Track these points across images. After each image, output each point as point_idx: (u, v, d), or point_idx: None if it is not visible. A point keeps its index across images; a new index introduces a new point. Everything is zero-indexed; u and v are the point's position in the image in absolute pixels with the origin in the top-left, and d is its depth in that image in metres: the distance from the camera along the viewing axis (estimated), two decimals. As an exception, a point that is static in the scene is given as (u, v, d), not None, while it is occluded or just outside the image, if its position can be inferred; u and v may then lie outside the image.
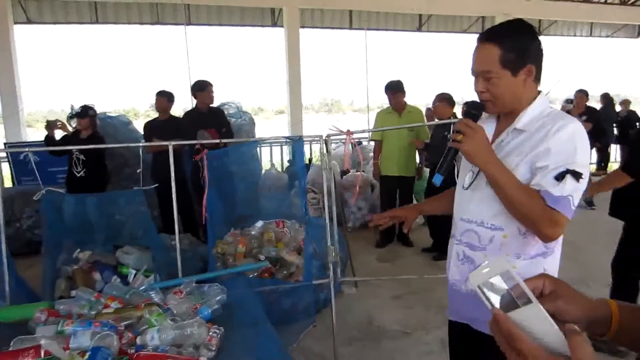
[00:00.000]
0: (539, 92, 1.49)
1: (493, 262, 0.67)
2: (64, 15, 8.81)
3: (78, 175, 4.61)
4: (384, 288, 4.13)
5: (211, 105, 5.26)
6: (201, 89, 5.13)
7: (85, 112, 4.74)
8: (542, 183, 1.34)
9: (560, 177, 1.32)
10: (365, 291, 4.11)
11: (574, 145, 1.34)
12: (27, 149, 3.70)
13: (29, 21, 8.60)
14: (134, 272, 3.29)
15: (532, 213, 1.34)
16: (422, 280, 4.02)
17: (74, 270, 3.30)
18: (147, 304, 2.39)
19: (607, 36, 14.23)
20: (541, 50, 1.45)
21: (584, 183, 1.34)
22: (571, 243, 4.94)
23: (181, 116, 5.48)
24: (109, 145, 4.72)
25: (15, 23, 8.06)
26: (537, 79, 1.47)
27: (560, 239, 1.49)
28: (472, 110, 1.51)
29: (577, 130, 1.36)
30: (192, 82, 5.37)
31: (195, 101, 5.32)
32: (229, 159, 3.94)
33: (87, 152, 4.59)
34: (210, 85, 5.19)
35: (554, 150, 1.34)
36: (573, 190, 1.32)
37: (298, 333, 3.36)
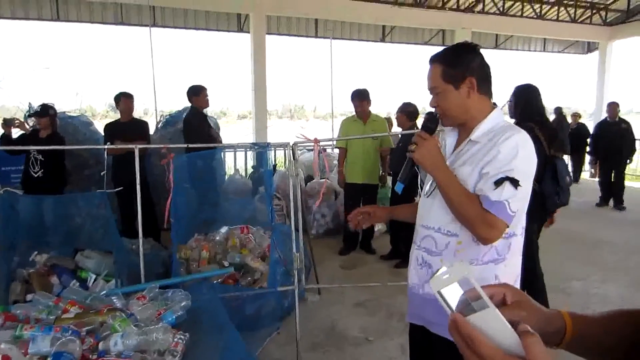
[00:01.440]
0: (494, 106, 1.61)
1: (453, 267, 0.70)
2: (23, 11, 8.52)
3: (36, 175, 4.46)
4: (347, 295, 4.18)
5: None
6: (196, 93, 5.23)
7: (46, 111, 4.59)
8: (483, 188, 1.46)
9: (498, 183, 1.43)
10: (329, 298, 4.15)
11: (516, 154, 1.45)
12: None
13: (-16, 15, 8.29)
14: (93, 276, 3.22)
15: (469, 214, 1.46)
16: (385, 288, 4.09)
17: (30, 273, 3.18)
18: (110, 309, 2.34)
19: (559, 51, 14.99)
20: (484, 65, 1.58)
21: (522, 190, 1.44)
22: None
23: (143, 118, 5.41)
24: (74, 147, 4.60)
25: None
26: (485, 92, 1.59)
27: (515, 248, 1.58)
28: (429, 123, 1.64)
29: (520, 140, 1.47)
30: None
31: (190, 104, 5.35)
32: (195, 163, 3.92)
33: (46, 152, 4.44)
34: (205, 89, 5.27)
35: (497, 158, 1.45)
36: (510, 196, 1.42)
37: (262, 339, 3.35)
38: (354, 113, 5.34)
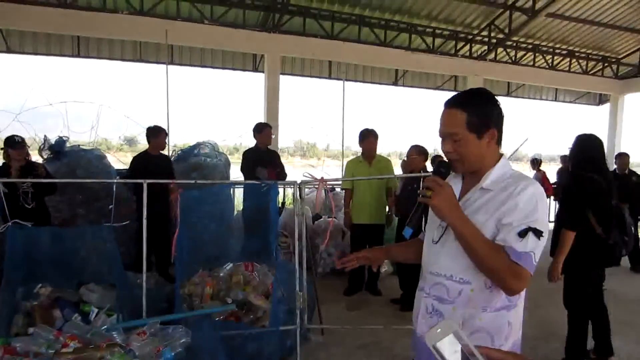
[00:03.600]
0: (501, 154, 1.61)
1: (444, 323, 0.73)
2: (45, 47, 8.86)
3: (29, 207, 4.33)
4: (350, 337, 4.11)
5: (268, 147, 5.53)
6: (259, 130, 5.44)
7: (20, 143, 4.46)
8: (507, 239, 1.43)
9: (523, 234, 1.41)
10: (332, 339, 4.08)
11: (535, 205, 1.44)
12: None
13: (9, 50, 8.61)
14: (96, 310, 3.21)
15: (497, 267, 1.42)
16: (388, 331, 4.02)
17: (33, 306, 3.19)
18: (109, 344, 2.34)
19: (571, 102, 15.09)
20: (502, 116, 1.58)
21: (543, 241, 1.44)
22: (531, 299, 5.07)
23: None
24: (80, 180, 4.65)
25: (-5, 51, 8.04)
26: (499, 142, 1.59)
27: (523, 294, 1.57)
28: (441, 169, 1.61)
29: (537, 192, 1.47)
30: (255, 124, 5.58)
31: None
32: (203, 199, 3.96)
33: (39, 184, 4.33)
34: (269, 127, 5.52)
35: (518, 208, 1.44)
36: (535, 247, 1.42)
37: (261, 380, 3.29)
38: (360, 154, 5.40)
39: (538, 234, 1.41)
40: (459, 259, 1.52)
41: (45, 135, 5.67)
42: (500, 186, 1.51)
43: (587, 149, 3.43)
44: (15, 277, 3.31)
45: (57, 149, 5.52)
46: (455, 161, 1.58)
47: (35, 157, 5.67)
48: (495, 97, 1.58)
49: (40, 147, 5.54)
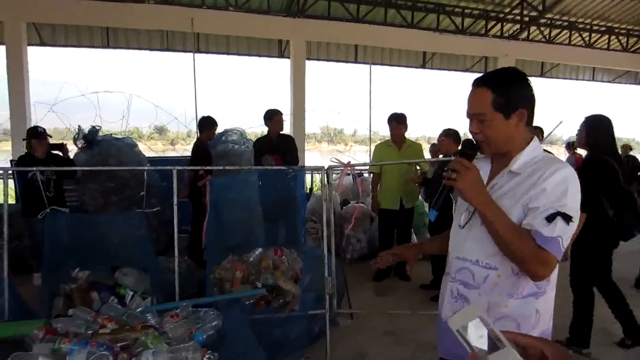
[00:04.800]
0: (532, 136, 1.55)
1: (467, 308, 0.72)
2: (76, 39, 9.05)
3: (50, 195, 4.50)
4: (378, 322, 4.12)
5: (281, 133, 5.50)
6: (270, 117, 5.39)
7: (43, 134, 4.75)
8: (533, 223, 1.39)
9: (550, 218, 1.36)
10: (360, 324, 4.10)
11: (566, 189, 1.39)
12: (34, 168, 3.75)
13: (42, 43, 8.83)
14: (131, 293, 3.31)
15: (522, 252, 1.39)
16: (416, 317, 4.01)
17: (72, 289, 3.31)
18: (144, 326, 2.41)
19: (609, 81, 14.46)
20: (533, 96, 1.51)
21: (573, 226, 1.39)
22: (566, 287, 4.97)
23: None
24: (112, 168, 4.77)
25: (29, 45, 8.26)
26: (530, 124, 1.53)
27: (553, 280, 1.53)
28: (468, 150, 1.56)
29: (569, 175, 1.41)
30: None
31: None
32: (231, 186, 4.01)
33: (58, 173, 4.61)
34: (279, 114, 5.45)
35: (546, 192, 1.39)
36: (563, 232, 1.37)
37: (290, 363, 3.34)
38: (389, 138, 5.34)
39: (567, 218, 1.36)
40: (486, 244, 1.49)
41: (79, 125, 5.83)
42: (529, 170, 1.46)
43: (600, 131, 3.36)
44: (54, 261, 3.45)
45: (90, 138, 5.67)
46: (482, 142, 1.53)
47: (71, 147, 5.87)
48: (527, 76, 1.51)
49: (74, 137, 5.71)
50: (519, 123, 1.48)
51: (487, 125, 1.49)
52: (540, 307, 1.50)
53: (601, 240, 3.41)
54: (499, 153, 1.56)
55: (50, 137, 4.90)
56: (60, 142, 5.16)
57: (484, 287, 1.52)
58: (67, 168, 4.48)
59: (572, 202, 1.39)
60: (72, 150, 5.82)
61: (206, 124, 5.53)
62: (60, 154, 4.98)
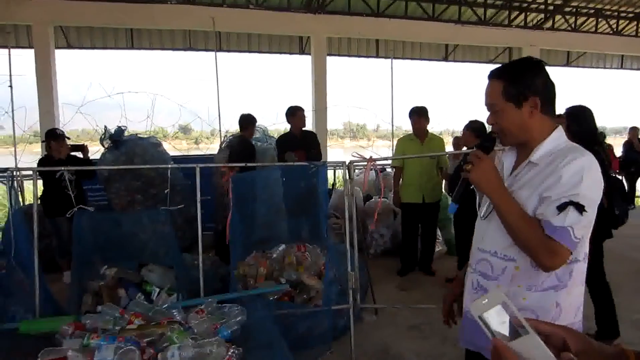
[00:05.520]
0: (556, 126, 1.52)
1: (491, 294, 0.70)
2: (101, 41, 9.23)
3: (73, 195, 4.66)
4: (403, 317, 4.09)
5: (304, 129, 5.53)
6: (292, 114, 5.42)
7: (62, 135, 4.90)
8: (545, 212, 1.37)
9: (562, 208, 1.34)
10: (384, 319, 4.09)
11: (581, 178, 1.35)
12: (62, 168, 3.85)
13: (69, 46, 9.03)
14: (157, 290, 3.36)
15: (530, 241, 1.38)
16: (440, 311, 3.97)
17: (100, 286, 3.39)
18: (169, 321, 2.45)
19: (639, 69, 14.03)
20: (549, 84, 1.49)
21: (588, 216, 1.35)
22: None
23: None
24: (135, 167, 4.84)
25: (57, 48, 8.45)
26: (548, 112, 1.50)
27: (579, 274, 1.49)
28: (485, 143, 1.58)
29: (586, 164, 1.38)
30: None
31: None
32: (254, 182, 4.03)
33: (77, 173, 4.71)
34: (301, 110, 5.48)
35: (561, 181, 1.36)
36: (574, 222, 1.34)
37: (314, 358, 3.34)
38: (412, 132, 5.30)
39: (580, 208, 1.33)
40: (504, 235, 1.48)
41: (105, 126, 5.95)
42: (548, 160, 1.44)
43: (584, 121, 3.32)
44: (83, 259, 3.53)
45: (116, 138, 5.78)
46: (499, 133, 1.54)
47: (98, 147, 6.00)
48: (542, 63, 1.50)
49: (101, 137, 5.82)
50: (534, 112, 1.47)
51: (499, 116, 1.50)
52: (561, 301, 1.47)
53: (597, 231, 3.36)
54: (517, 143, 1.55)
55: (69, 138, 5.07)
56: (81, 143, 5.30)
57: (503, 279, 1.52)
58: (91, 168, 4.58)
59: (588, 191, 1.36)
60: (100, 150, 5.96)
61: (248, 121, 5.66)
62: (81, 155, 5.12)
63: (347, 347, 3.36)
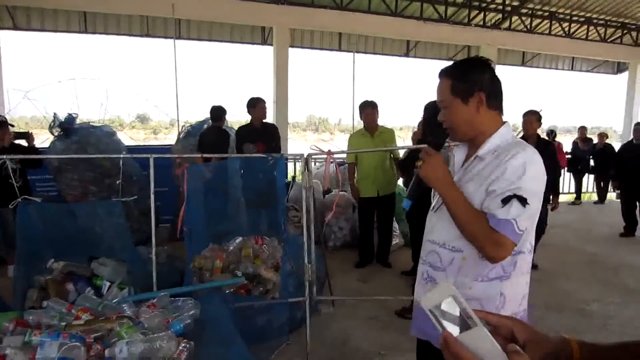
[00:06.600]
0: (504, 122, 1.58)
1: (440, 286, 0.71)
2: (52, 24, 8.81)
3: (17, 185, 4.43)
4: (361, 308, 4.13)
5: (264, 121, 5.47)
6: (253, 105, 5.34)
7: (5, 122, 4.71)
8: (490, 206, 1.43)
9: (506, 201, 1.40)
10: (343, 311, 4.11)
11: (523, 172, 1.41)
12: (5, 156, 3.63)
13: (15, 27, 8.57)
14: (107, 284, 3.25)
15: (476, 233, 1.44)
16: (399, 302, 4.03)
17: (47, 280, 3.24)
18: (119, 316, 2.37)
19: (588, 71, 14.69)
20: (494, 80, 1.54)
21: (531, 208, 1.41)
22: (546, 270, 5.07)
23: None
24: (98, 156, 4.68)
25: (1, 28, 8.01)
26: (495, 108, 1.55)
27: (523, 265, 1.55)
28: (435, 139, 1.64)
29: (529, 158, 1.44)
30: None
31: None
32: (211, 173, 3.95)
33: (23, 162, 4.53)
34: (262, 101, 5.40)
35: (504, 175, 1.42)
36: (518, 215, 1.39)
37: (271, 351, 3.33)
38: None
39: (523, 201, 1.39)
40: (452, 227, 1.53)
41: (54, 113, 5.68)
42: (494, 154, 1.50)
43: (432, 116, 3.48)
44: (27, 252, 3.37)
45: (67, 126, 5.53)
46: (449, 129, 1.59)
47: (47, 135, 5.74)
48: (489, 61, 1.56)
49: (50, 125, 5.56)
50: (480, 107, 1.52)
51: (448, 112, 1.56)
52: (505, 291, 1.53)
53: None
54: (466, 138, 1.60)
55: (12, 125, 4.85)
56: (25, 130, 5.07)
57: (450, 269, 1.56)
58: (36, 157, 4.36)
59: (530, 184, 1.42)
60: (49, 139, 5.69)
61: (221, 112, 5.79)
62: (26, 143, 4.89)
63: (304, 339, 3.36)
